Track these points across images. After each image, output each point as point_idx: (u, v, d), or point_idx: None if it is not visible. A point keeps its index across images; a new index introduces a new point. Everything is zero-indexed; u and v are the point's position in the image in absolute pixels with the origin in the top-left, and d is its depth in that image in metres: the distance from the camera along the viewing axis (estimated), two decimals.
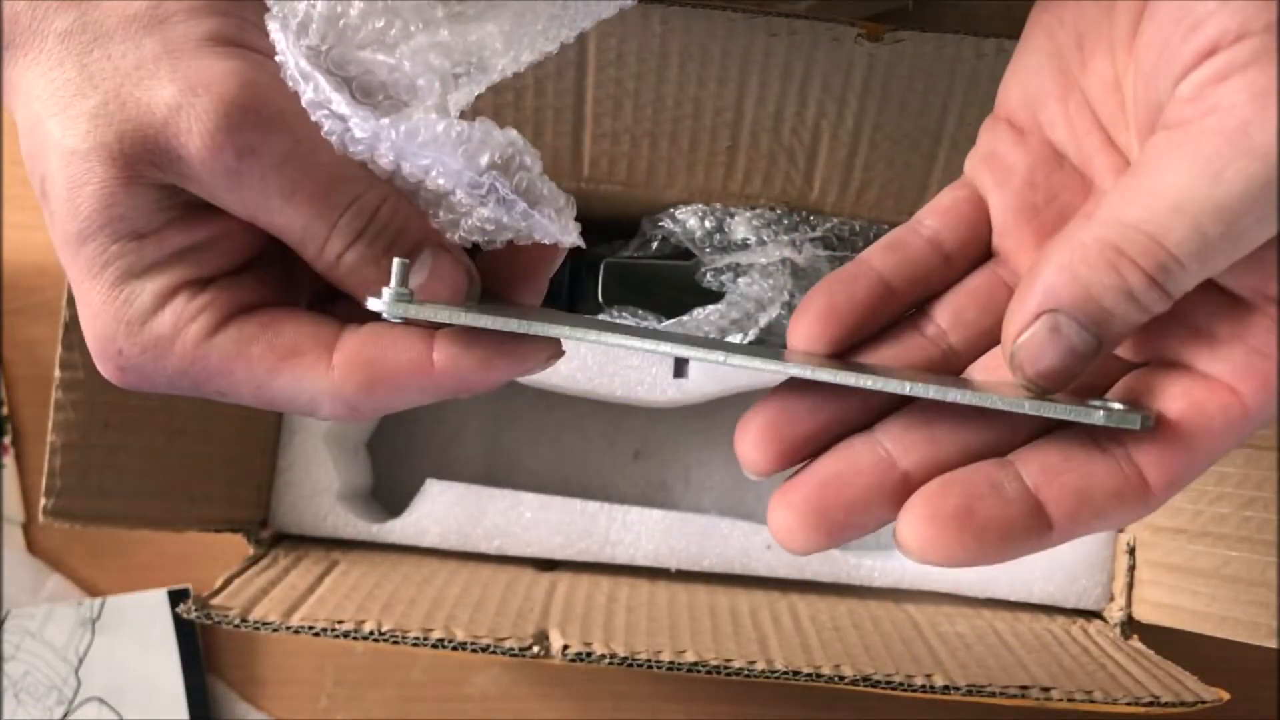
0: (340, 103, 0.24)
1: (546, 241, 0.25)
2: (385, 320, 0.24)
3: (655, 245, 0.52)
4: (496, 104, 0.45)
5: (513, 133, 0.25)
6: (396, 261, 0.23)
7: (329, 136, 0.24)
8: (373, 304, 0.23)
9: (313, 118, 0.24)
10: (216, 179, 0.23)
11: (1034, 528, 0.21)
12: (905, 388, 0.22)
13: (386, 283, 0.23)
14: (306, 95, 0.24)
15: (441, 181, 0.25)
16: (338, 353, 0.25)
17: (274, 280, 0.27)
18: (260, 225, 0.25)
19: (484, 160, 0.24)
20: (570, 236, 0.26)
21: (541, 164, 0.26)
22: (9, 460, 0.57)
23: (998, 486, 0.22)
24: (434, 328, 0.25)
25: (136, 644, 0.55)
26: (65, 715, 0.55)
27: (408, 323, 0.25)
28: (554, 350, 0.26)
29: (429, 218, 0.25)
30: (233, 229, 0.25)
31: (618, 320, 0.51)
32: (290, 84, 0.24)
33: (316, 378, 0.24)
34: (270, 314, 0.25)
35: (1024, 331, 0.21)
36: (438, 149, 0.24)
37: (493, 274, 0.27)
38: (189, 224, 0.24)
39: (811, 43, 0.43)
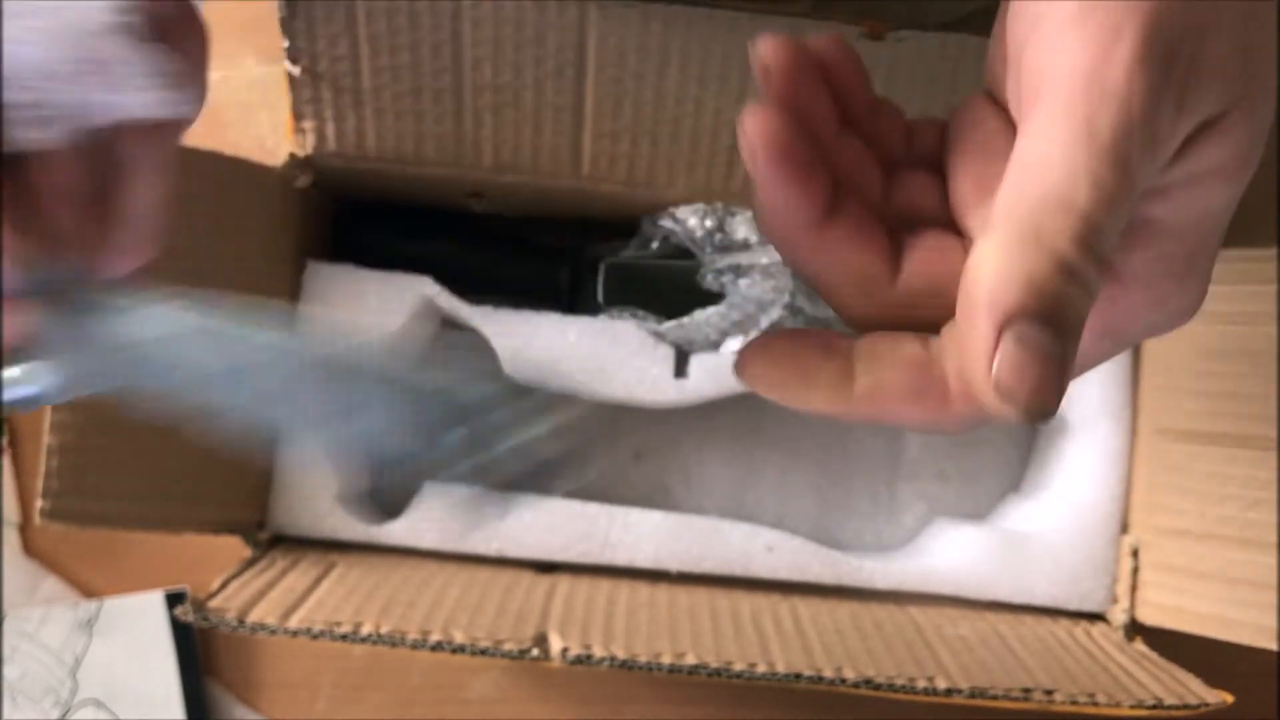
0: None
1: (150, 116, 0.20)
2: None
3: (655, 245, 0.52)
4: (496, 103, 0.45)
5: None
6: None
7: None
8: None
9: None
10: None
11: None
12: None
13: None
14: None
15: (29, 50, 0.18)
16: None
17: None
18: None
19: (37, 21, 0.18)
20: (172, 108, 0.20)
21: (127, 19, 0.19)
22: (5, 462, 0.57)
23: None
24: None
25: (133, 646, 0.55)
26: (62, 717, 0.55)
27: None
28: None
29: None
30: None
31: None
32: None
33: None
34: None
35: (994, 359, 0.19)
36: None
37: (51, 199, 0.20)
38: None
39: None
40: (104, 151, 0.21)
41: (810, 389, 0.22)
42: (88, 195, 0.21)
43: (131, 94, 0.19)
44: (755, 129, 0.22)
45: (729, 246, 0.50)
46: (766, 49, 0.22)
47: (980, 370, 0.19)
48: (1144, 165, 0.19)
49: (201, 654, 0.56)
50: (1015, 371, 0.19)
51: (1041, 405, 0.19)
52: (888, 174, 0.24)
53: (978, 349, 0.19)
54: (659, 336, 0.50)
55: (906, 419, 0.22)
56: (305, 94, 0.44)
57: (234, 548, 0.46)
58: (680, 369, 0.51)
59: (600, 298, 0.52)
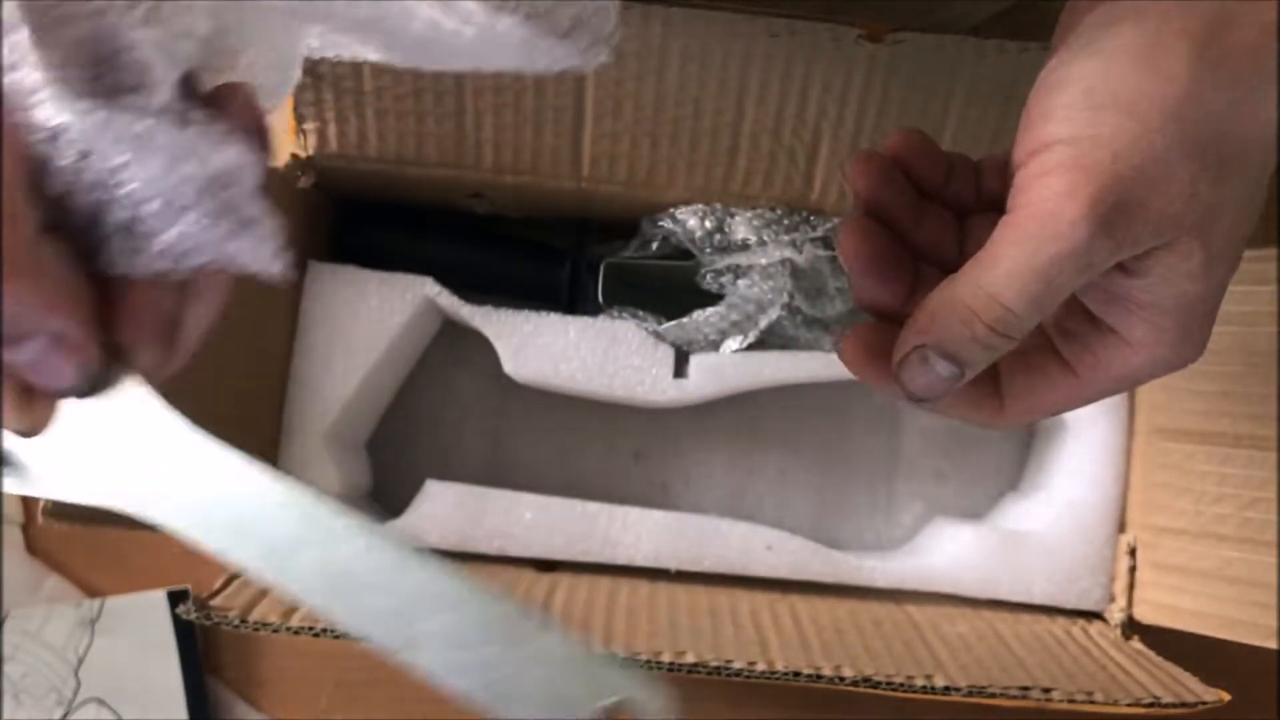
0: (33, 65, 0.19)
1: (253, 269, 0.22)
2: None
3: (655, 245, 0.52)
4: (496, 104, 0.45)
5: (232, 151, 0.22)
6: None
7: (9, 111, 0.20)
8: None
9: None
10: None
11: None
12: None
13: None
14: None
15: (135, 186, 0.20)
16: None
17: None
18: None
19: (190, 169, 0.21)
20: (278, 265, 0.22)
21: (260, 181, 0.22)
22: None
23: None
24: None
25: (136, 645, 0.55)
26: (65, 716, 0.55)
27: None
28: None
29: (104, 246, 0.21)
30: None
31: None
32: None
33: None
34: None
35: (904, 359, 0.28)
36: (138, 148, 0.20)
37: (134, 318, 0.23)
38: None
39: (812, 43, 0.43)
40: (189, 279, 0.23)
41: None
42: (171, 317, 0.24)
43: (256, 247, 0.22)
44: (847, 244, 0.29)
45: (728, 247, 0.50)
46: (853, 170, 0.30)
47: (895, 356, 0.28)
48: (1074, 280, 0.26)
49: (204, 652, 0.56)
50: (910, 373, 0.28)
51: (914, 396, 0.28)
52: (960, 220, 0.31)
53: (899, 348, 0.28)
54: (659, 336, 0.50)
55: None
56: (307, 95, 0.44)
57: None
58: (680, 369, 0.51)
59: (600, 298, 0.52)
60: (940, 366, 0.27)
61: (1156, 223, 0.25)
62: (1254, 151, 0.26)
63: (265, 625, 0.39)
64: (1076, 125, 0.25)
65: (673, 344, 0.51)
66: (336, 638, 0.39)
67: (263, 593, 0.41)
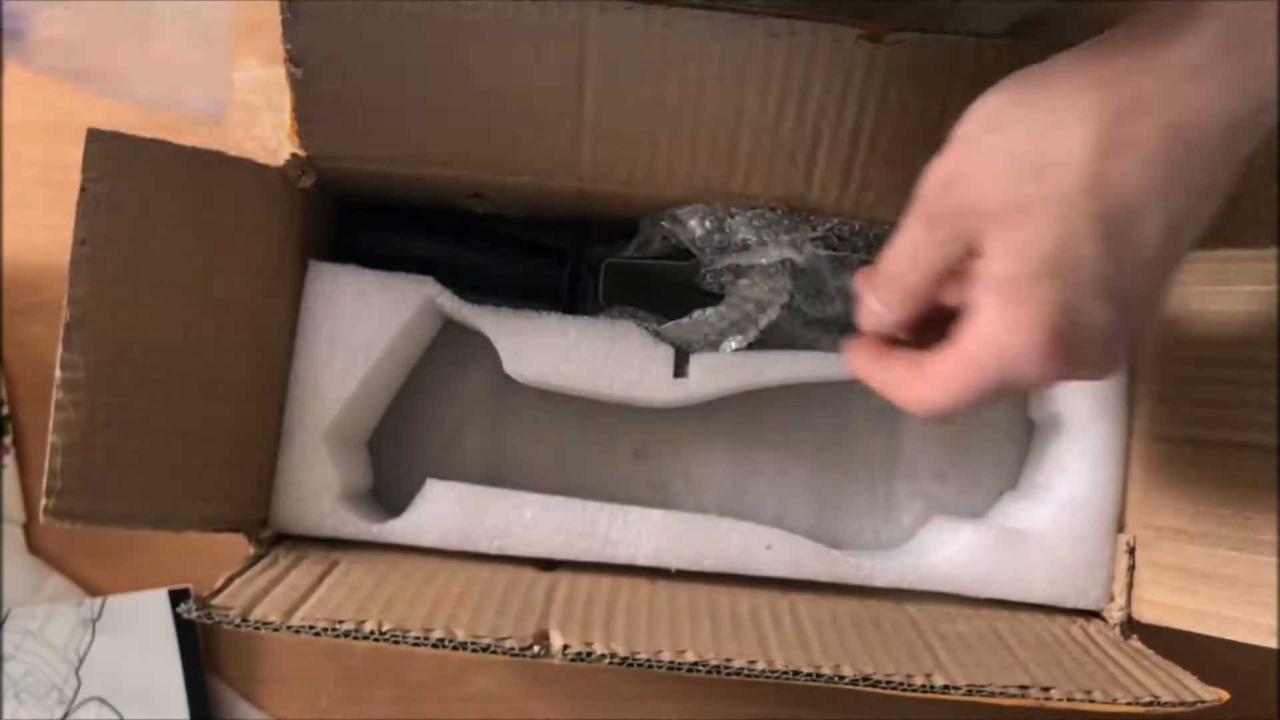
0: None
1: None
2: None
3: (655, 245, 0.52)
4: (497, 104, 0.45)
5: None
6: None
7: None
8: None
9: None
10: None
11: None
12: None
13: None
14: None
15: None
16: None
17: None
18: None
19: None
20: None
21: None
22: (9, 460, 0.57)
23: None
24: None
25: (137, 644, 0.55)
26: (66, 715, 0.55)
27: None
28: None
29: None
30: None
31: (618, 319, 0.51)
32: None
33: None
34: None
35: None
36: None
37: None
38: None
39: (811, 43, 0.43)
40: None
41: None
42: None
43: None
44: (857, 361, 0.38)
45: (728, 247, 0.50)
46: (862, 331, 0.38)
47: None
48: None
49: (205, 651, 0.56)
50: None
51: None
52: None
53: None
54: (659, 336, 0.51)
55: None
56: (307, 95, 0.45)
57: (237, 546, 0.46)
58: (680, 369, 0.51)
59: (600, 298, 0.53)
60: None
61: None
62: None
63: (266, 624, 0.39)
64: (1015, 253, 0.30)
65: (673, 344, 0.51)
66: (337, 636, 0.39)
67: (264, 591, 0.41)
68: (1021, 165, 0.28)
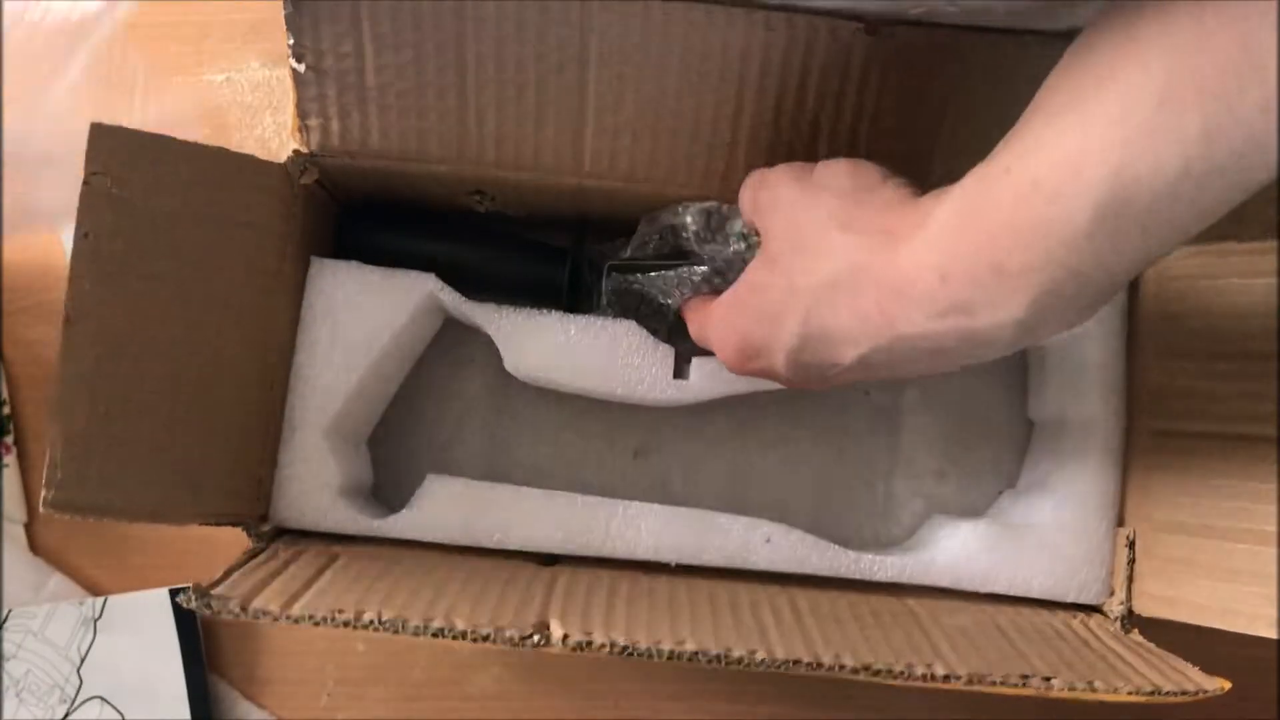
0: None
1: None
2: None
3: (654, 244, 0.52)
4: (498, 99, 0.45)
5: None
6: None
7: None
8: None
9: None
10: None
11: None
12: None
13: None
14: None
15: None
16: None
17: None
18: None
19: None
20: None
21: None
22: (11, 460, 0.57)
23: None
24: None
25: (138, 643, 0.55)
26: (67, 714, 0.55)
27: None
28: None
29: None
30: None
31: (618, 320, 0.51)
32: None
33: None
34: None
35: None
36: None
37: None
38: None
39: (810, 37, 0.43)
40: None
41: None
42: None
43: None
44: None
45: (727, 244, 0.50)
46: None
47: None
48: None
49: (206, 650, 0.56)
50: None
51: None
52: None
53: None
54: (659, 336, 0.51)
55: None
56: (310, 91, 0.45)
57: (238, 546, 0.46)
58: (680, 369, 0.51)
59: (601, 298, 0.53)
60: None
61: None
62: None
63: (265, 614, 0.39)
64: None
65: (673, 344, 0.51)
66: (337, 626, 0.39)
67: (263, 583, 0.41)
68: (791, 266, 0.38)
